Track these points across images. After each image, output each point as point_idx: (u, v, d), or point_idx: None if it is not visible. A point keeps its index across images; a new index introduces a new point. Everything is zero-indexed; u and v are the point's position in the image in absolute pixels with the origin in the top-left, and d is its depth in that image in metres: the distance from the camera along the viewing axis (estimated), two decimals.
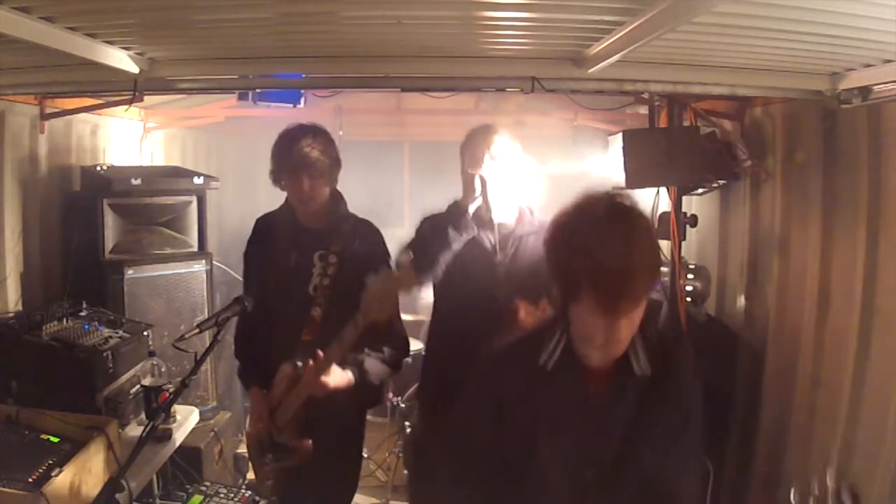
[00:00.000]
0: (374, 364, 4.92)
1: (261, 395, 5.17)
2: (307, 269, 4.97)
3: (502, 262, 5.10)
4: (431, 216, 5.24)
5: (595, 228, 2.92)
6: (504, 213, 5.08)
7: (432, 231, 5.08)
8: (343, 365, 4.75)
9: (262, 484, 5.27)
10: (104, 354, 5.51)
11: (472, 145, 5.08)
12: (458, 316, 5.04)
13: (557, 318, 3.27)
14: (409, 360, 5.40)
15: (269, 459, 5.10)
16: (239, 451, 8.34)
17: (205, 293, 7.76)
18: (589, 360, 3.16)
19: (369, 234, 5.18)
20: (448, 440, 3.80)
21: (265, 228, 5.39)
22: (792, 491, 3.04)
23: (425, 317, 6.49)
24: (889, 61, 4.69)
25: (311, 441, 4.91)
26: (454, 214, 5.05)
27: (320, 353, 4.60)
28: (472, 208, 5.04)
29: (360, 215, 5.26)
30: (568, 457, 3.29)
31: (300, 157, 4.92)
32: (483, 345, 4.36)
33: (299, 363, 4.79)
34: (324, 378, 4.62)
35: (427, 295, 5.39)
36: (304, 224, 5.15)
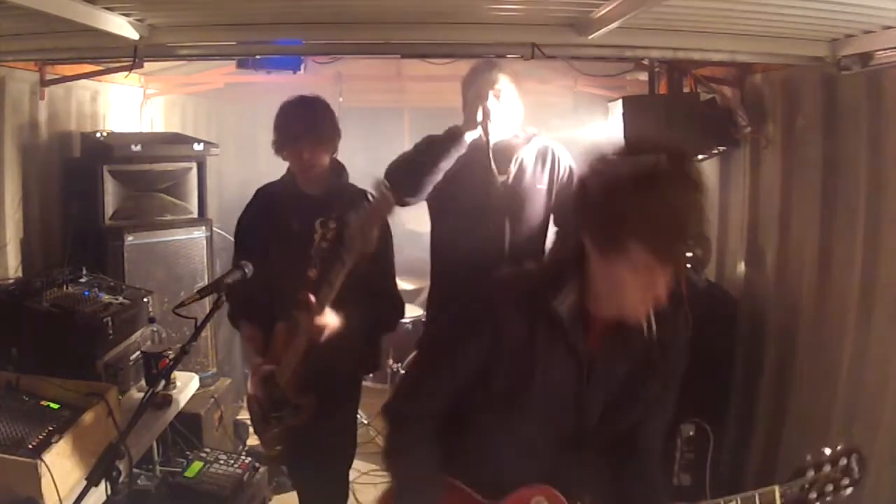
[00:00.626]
0: (366, 311, 4.95)
1: (254, 330, 5.26)
2: (308, 236, 4.94)
3: (505, 189, 5.26)
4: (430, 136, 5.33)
5: (653, 179, 2.75)
6: (505, 140, 5.26)
7: (423, 148, 5.25)
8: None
9: (271, 449, 5.30)
10: (104, 321, 5.51)
11: (477, 79, 5.22)
12: (461, 244, 5.24)
13: (571, 265, 3.12)
14: (408, 326, 5.42)
15: (274, 422, 5.10)
16: (239, 417, 8.35)
17: (205, 259, 7.77)
18: (600, 312, 3.09)
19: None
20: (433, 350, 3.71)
21: (265, 198, 5.44)
22: (808, 457, 3.02)
23: (425, 284, 6.49)
24: (889, 27, 4.68)
25: (313, 397, 4.94)
26: (449, 136, 5.20)
27: (312, 297, 4.62)
28: (469, 136, 5.17)
29: (361, 181, 5.28)
30: (553, 407, 3.22)
31: (301, 127, 5.02)
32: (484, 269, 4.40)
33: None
34: (319, 320, 4.65)
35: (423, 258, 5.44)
36: (305, 191, 5.21)
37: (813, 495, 3.06)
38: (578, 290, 3.08)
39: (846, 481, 3.10)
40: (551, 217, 5.42)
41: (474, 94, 5.19)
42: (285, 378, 4.94)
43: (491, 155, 5.18)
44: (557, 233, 5.43)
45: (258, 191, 5.51)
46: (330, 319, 4.71)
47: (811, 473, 3.07)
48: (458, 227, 5.33)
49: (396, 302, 5.34)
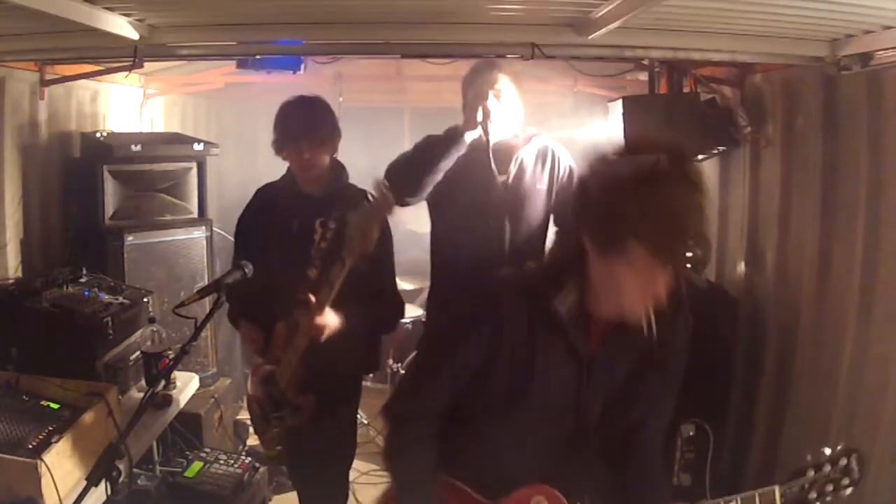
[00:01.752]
0: (365, 312, 4.97)
1: (253, 330, 5.27)
2: (309, 236, 4.94)
3: (505, 189, 5.27)
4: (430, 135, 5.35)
5: (653, 179, 2.77)
6: (505, 140, 5.25)
7: (423, 148, 5.28)
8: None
9: (270, 449, 5.28)
10: (104, 321, 5.51)
11: (477, 80, 5.24)
12: (461, 244, 5.27)
13: (571, 265, 3.12)
14: (408, 326, 5.42)
15: (274, 422, 5.12)
16: (239, 417, 8.36)
17: (205, 259, 7.77)
18: (600, 313, 3.11)
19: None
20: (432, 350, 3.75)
21: (266, 198, 5.45)
22: (808, 457, 3.03)
23: (425, 284, 6.49)
24: (889, 27, 4.68)
25: (312, 398, 4.93)
26: (449, 136, 5.22)
27: (312, 297, 4.63)
28: (469, 137, 5.18)
29: (361, 181, 5.26)
30: (553, 406, 3.23)
31: (301, 127, 5.04)
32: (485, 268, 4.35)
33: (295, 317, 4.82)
34: (319, 320, 4.65)
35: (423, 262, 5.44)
36: (305, 192, 5.22)
37: (813, 495, 3.05)
38: (578, 290, 3.08)
39: (846, 481, 3.10)
40: (551, 217, 5.43)
41: (474, 94, 5.21)
42: (285, 378, 4.94)
43: (491, 155, 5.20)
44: (557, 233, 5.44)
45: (258, 190, 5.53)
46: (330, 319, 4.71)
47: (811, 473, 3.07)
48: (457, 226, 5.35)
49: (396, 302, 5.35)
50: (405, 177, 5.19)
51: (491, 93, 5.15)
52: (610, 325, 3.11)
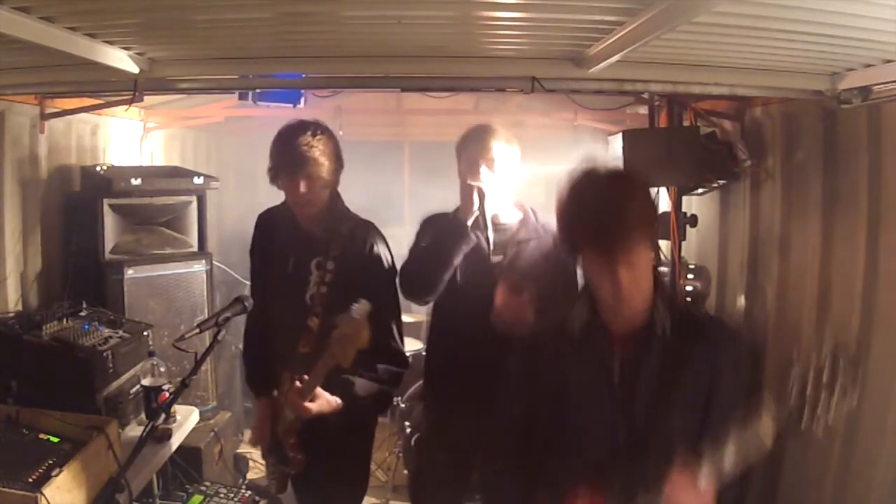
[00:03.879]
0: (365, 385, 4.79)
1: (265, 405, 5.22)
2: (304, 277, 4.90)
3: (499, 264, 5.10)
4: (431, 217, 5.27)
5: (588, 183, 3.33)
6: (505, 215, 5.09)
7: (434, 249, 5.11)
8: (334, 387, 4.68)
9: (268, 481, 5.35)
10: (104, 354, 5.51)
11: (469, 150, 5.09)
12: (457, 319, 5.08)
13: (584, 293, 3.52)
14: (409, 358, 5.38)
15: (271, 462, 5.20)
16: (239, 451, 8.35)
17: (205, 293, 7.77)
18: (612, 322, 3.40)
19: (368, 239, 5.00)
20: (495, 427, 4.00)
21: (265, 226, 5.33)
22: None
23: (425, 317, 6.47)
24: (889, 61, 4.70)
25: (303, 456, 4.93)
26: (455, 233, 5.04)
27: (299, 383, 4.57)
28: (470, 221, 5.05)
29: (361, 215, 5.15)
30: (599, 420, 3.43)
31: (298, 157, 4.73)
32: (481, 347, 4.66)
33: (295, 378, 4.67)
34: (307, 404, 4.58)
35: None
36: (302, 226, 5.01)
37: (808, 411, 3.07)
38: (589, 304, 3.45)
39: (841, 381, 3.09)
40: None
41: (467, 161, 5.07)
42: (283, 428, 4.95)
43: (490, 236, 5.12)
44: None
45: (259, 216, 5.36)
46: (318, 405, 4.63)
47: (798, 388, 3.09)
48: (454, 308, 5.22)
49: (397, 360, 5.03)
50: (424, 280, 5.10)
51: (483, 164, 5.01)
52: (628, 332, 3.40)
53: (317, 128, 4.87)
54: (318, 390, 4.59)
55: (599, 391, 3.43)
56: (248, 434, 9.32)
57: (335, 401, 4.67)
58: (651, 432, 3.37)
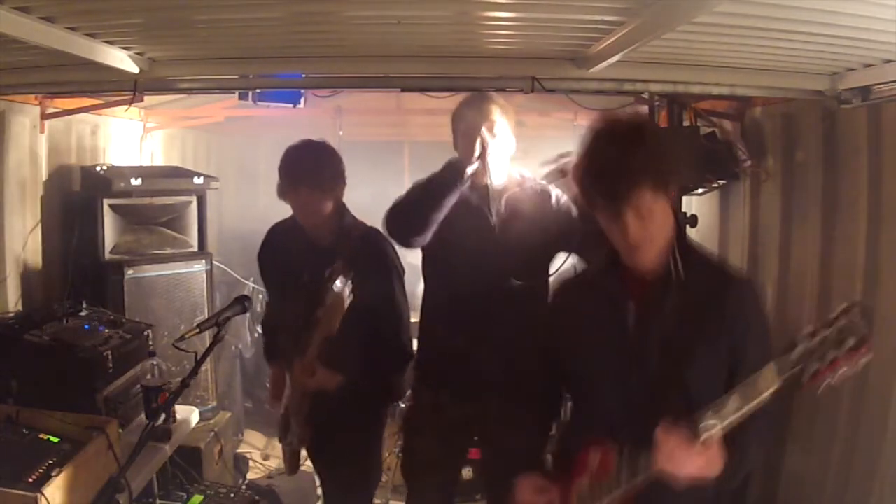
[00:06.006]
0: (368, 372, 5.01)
1: (278, 372, 5.51)
2: (319, 284, 4.87)
3: (499, 228, 5.04)
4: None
5: (601, 129, 3.37)
6: (498, 177, 5.04)
7: (424, 186, 5.02)
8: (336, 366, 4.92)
9: (283, 461, 5.59)
10: (104, 354, 5.50)
11: (468, 113, 5.03)
12: (454, 284, 5.04)
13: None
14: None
15: (285, 443, 5.42)
16: (239, 451, 8.35)
17: (205, 293, 7.78)
18: (630, 268, 3.43)
19: (376, 247, 5.18)
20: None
21: (277, 240, 5.49)
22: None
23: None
24: (889, 61, 4.70)
25: (310, 431, 5.14)
26: (452, 171, 4.94)
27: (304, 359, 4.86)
28: (469, 170, 4.89)
29: (361, 216, 5.30)
30: (612, 366, 3.47)
31: (302, 175, 4.98)
32: (479, 313, 4.80)
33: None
34: (310, 378, 4.89)
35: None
36: (312, 239, 5.19)
37: (815, 365, 3.01)
38: (611, 251, 3.48)
39: (851, 340, 3.02)
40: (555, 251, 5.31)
41: (466, 126, 4.95)
42: (294, 407, 5.13)
43: (490, 192, 5.01)
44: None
45: (270, 230, 5.54)
46: (319, 379, 4.90)
47: (806, 343, 3.03)
48: (450, 271, 5.18)
49: (400, 346, 5.29)
50: (411, 218, 4.99)
51: (485, 126, 4.90)
52: (645, 278, 3.42)
53: (319, 147, 5.13)
54: (319, 367, 4.86)
55: (612, 335, 3.46)
56: (248, 434, 9.37)
57: (334, 376, 4.90)
58: (663, 382, 3.35)
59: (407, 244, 4.99)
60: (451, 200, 4.85)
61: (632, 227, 3.23)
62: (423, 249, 5.21)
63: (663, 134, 3.45)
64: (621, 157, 3.22)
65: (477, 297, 4.82)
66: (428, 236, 4.93)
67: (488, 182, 4.94)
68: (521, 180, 5.16)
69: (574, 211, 4.91)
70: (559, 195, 5.10)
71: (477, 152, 4.87)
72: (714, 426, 2.99)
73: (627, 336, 3.41)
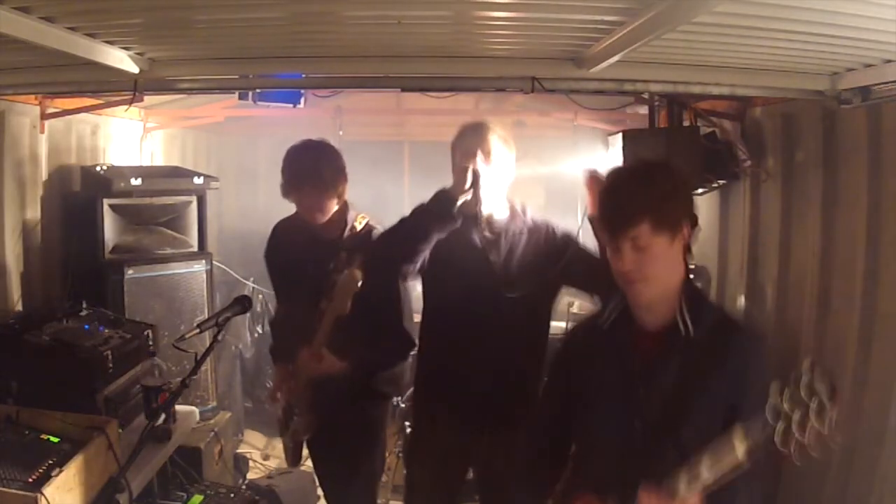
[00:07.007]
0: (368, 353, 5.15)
1: (283, 369, 5.48)
2: (324, 278, 5.08)
3: (496, 262, 4.94)
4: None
5: (620, 169, 3.77)
6: (495, 209, 4.98)
7: (413, 218, 4.90)
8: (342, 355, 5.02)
9: (285, 455, 5.74)
10: (104, 354, 5.50)
11: (465, 141, 4.93)
12: (450, 317, 4.96)
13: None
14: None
15: (286, 436, 5.51)
16: (239, 451, 8.35)
17: (205, 293, 7.78)
18: (640, 316, 3.47)
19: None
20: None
21: (283, 235, 5.60)
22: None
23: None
24: (889, 61, 4.69)
25: (311, 419, 5.25)
26: (441, 203, 4.79)
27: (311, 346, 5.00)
28: (461, 200, 4.75)
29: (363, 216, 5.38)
30: (615, 413, 3.48)
31: (305, 173, 5.13)
32: (476, 346, 4.76)
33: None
34: (314, 364, 4.99)
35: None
36: (318, 235, 5.31)
37: (782, 428, 2.95)
38: (622, 298, 3.52)
39: (815, 402, 2.94)
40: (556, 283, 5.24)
41: (462, 155, 4.85)
42: (299, 396, 5.24)
43: (483, 224, 4.90)
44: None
45: (276, 226, 5.65)
46: (325, 364, 5.00)
47: (772, 405, 2.98)
48: (445, 301, 5.10)
49: (401, 337, 5.35)
50: (394, 246, 4.90)
51: (480, 154, 4.77)
52: (654, 330, 3.46)
53: (321, 146, 5.29)
54: (325, 352, 4.95)
55: (615, 384, 3.47)
56: (248, 434, 9.38)
57: (339, 362, 4.99)
58: (662, 435, 3.35)
59: (394, 274, 4.97)
60: (440, 235, 4.72)
61: (627, 258, 3.31)
62: (421, 277, 5.19)
63: (678, 178, 3.41)
64: (628, 189, 3.40)
65: (470, 327, 4.80)
66: (415, 266, 4.86)
67: (478, 211, 4.84)
68: (517, 211, 5.08)
69: (573, 243, 4.92)
70: (557, 228, 5.05)
71: (468, 182, 4.72)
72: (689, 487, 3.00)
73: (630, 386, 3.44)
